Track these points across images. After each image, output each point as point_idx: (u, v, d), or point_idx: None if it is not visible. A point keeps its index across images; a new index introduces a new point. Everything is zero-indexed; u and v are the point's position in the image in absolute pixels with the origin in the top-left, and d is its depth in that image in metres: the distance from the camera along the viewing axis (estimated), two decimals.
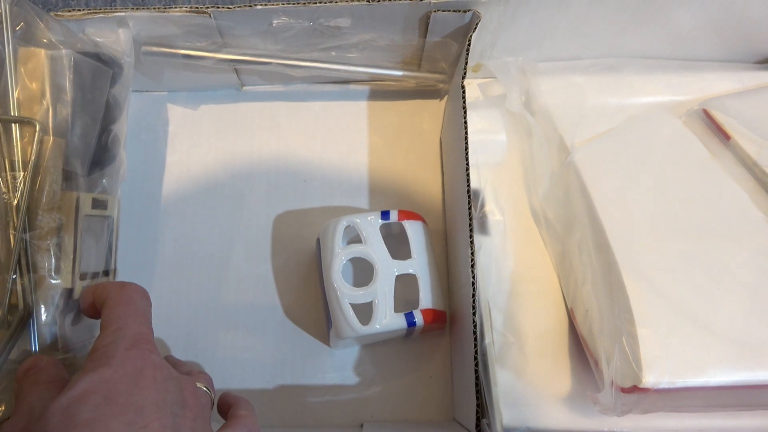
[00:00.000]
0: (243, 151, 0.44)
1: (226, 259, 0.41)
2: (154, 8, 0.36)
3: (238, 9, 0.36)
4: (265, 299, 0.40)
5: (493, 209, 0.35)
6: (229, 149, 0.44)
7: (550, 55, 0.41)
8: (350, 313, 0.33)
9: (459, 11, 0.36)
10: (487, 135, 0.38)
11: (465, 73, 0.36)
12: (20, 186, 0.30)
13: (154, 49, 0.40)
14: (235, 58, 0.41)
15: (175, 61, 0.41)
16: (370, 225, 0.36)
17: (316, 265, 0.40)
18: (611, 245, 0.29)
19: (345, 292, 0.34)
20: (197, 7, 0.36)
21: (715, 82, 0.40)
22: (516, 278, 0.33)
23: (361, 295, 0.34)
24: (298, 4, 0.36)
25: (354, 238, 0.37)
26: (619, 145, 0.36)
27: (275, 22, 0.37)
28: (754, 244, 0.30)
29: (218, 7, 0.36)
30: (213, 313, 0.40)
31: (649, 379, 0.25)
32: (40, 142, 0.31)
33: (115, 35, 0.38)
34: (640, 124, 0.37)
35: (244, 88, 0.46)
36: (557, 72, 0.40)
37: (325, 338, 0.39)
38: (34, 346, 0.30)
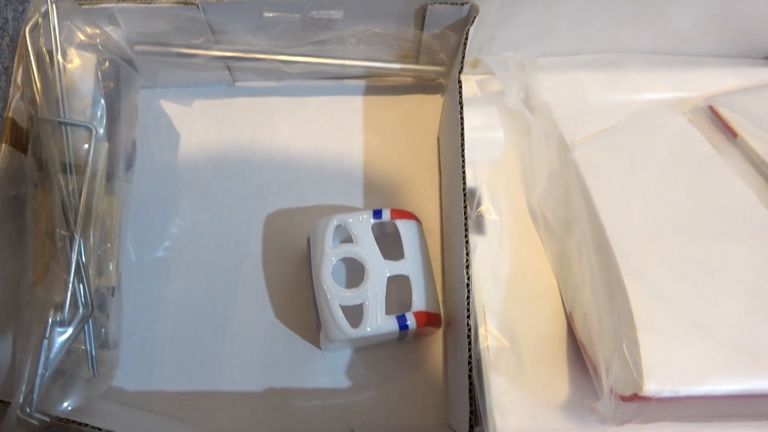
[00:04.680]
0: (234, 147, 0.43)
1: (215, 259, 0.40)
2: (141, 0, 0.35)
3: (227, 1, 0.35)
4: (254, 301, 0.39)
5: (489, 208, 0.34)
6: (221, 146, 0.43)
7: (550, 50, 0.40)
8: (340, 315, 0.32)
9: (456, 4, 0.35)
10: (485, 132, 0.37)
11: (462, 67, 0.35)
12: (81, 190, 0.30)
13: (148, 48, 0.39)
14: (228, 55, 0.40)
15: (169, 60, 0.40)
16: (362, 224, 0.34)
17: (307, 265, 0.39)
18: (612, 246, 0.28)
19: (335, 294, 0.33)
20: None
21: (721, 79, 0.38)
22: (513, 280, 0.32)
23: (351, 296, 0.33)
24: None
25: (346, 238, 0.36)
26: (620, 142, 0.34)
27: (265, 14, 0.36)
28: (762, 246, 0.29)
29: None
30: (201, 315, 0.39)
31: (650, 387, 0.24)
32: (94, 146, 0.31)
33: (106, 35, 0.37)
34: (643, 120, 0.36)
35: (237, 83, 0.45)
36: (558, 68, 0.39)
37: (316, 341, 0.38)
38: (90, 345, 0.31)
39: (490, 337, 0.30)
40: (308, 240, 0.37)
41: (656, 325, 0.26)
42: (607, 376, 0.25)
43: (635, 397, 0.24)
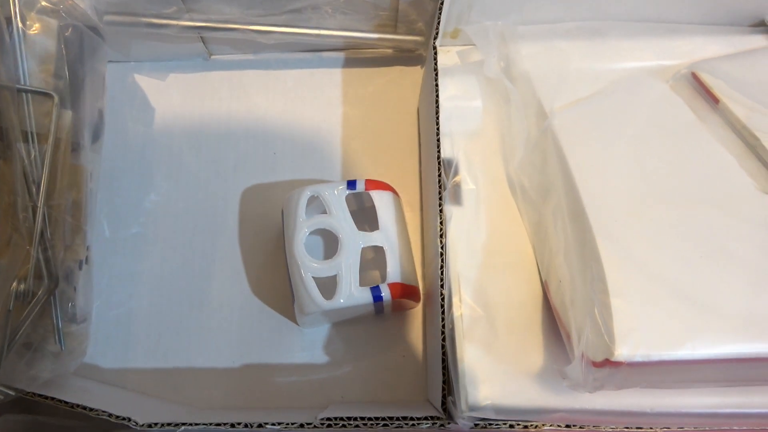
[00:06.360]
0: (210, 121, 0.42)
1: (190, 234, 0.40)
2: None
3: None
4: (230, 276, 0.39)
5: (465, 178, 0.33)
6: (197, 120, 0.42)
7: (531, 18, 0.39)
8: (312, 287, 0.32)
9: None
10: (462, 101, 0.36)
11: (437, 34, 0.34)
12: (43, 159, 0.29)
13: (117, 18, 0.38)
14: (200, 25, 0.39)
15: (139, 31, 0.39)
16: (336, 195, 0.34)
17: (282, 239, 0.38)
18: (587, 212, 0.27)
19: (307, 265, 0.32)
20: None
21: (706, 46, 0.37)
22: (488, 250, 0.31)
23: (324, 268, 0.32)
24: None
25: (322, 212, 0.35)
26: (600, 109, 0.33)
27: None
28: (740, 211, 0.28)
29: None
30: (177, 291, 0.38)
31: (622, 352, 0.23)
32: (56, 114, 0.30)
33: (70, 1, 0.36)
34: (624, 88, 0.35)
35: (212, 57, 0.44)
36: (538, 36, 0.38)
37: (293, 316, 0.37)
38: (56, 318, 0.30)
39: (464, 305, 0.29)
40: (282, 212, 0.36)
41: (630, 290, 0.25)
42: (579, 342, 0.25)
43: (607, 362, 0.24)
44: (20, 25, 0.30)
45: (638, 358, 0.24)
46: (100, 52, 0.35)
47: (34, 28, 0.30)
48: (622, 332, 0.24)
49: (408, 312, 0.37)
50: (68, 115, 0.31)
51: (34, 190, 0.29)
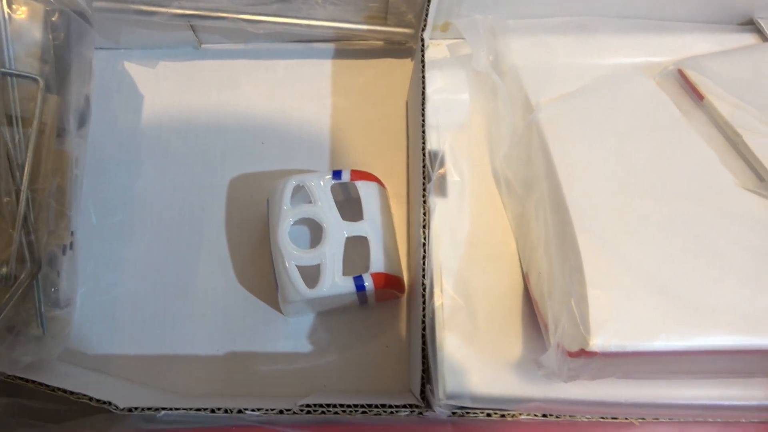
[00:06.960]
0: (199, 110, 0.42)
1: (177, 222, 0.40)
2: None
3: None
4: (216, 265, 0.39)
5: (451, 170, 0.33)
6: (185, 109, 0.42)
7: (521, 12, 0.39)
8: (296, 276, 0.32)
9: None
10: (450, 94, 0.36)
11: (425, 25, 0.34)
12: (27, 143, 0.29)
13: (106, 4, 0.38)
14: (190, 13, 0.39)
15: (129, 18, 0.39)
16: (321, 185, 0.34)
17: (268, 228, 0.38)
18: (567, 205, 0.28)
19: (291, 254, 0.32)
20: None
21: (695, 44, 0.38)
22: (471, 241, 0.32)
23: (307, 257, 0.32)
24: None
25: (308, 201, 0.35)
26: (586, 104, 0.34)
27: None
28: (720, 206, 0.28)
29: None
30: (162, 279, 0.39)
31: (596, 342, 0.24)
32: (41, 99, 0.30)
33: None
34: (610, 83, 0.35)
35: (203, 45, 0.44)
36: (527, 30, 0.38)
37: (278, 306, 0.38)
38: (39, 302, 0.30)
39: (445, 295, 0.30)
40: (267, 202, 0.36)
41: (607, 282, 0.25)
42: (555, 332, 0.25)
43: (582, 352, 0.24)
44: (6, 9, 0.30)
45: (612, 349, 0.24)
46: (87, 37, 0.34)
47: (20, 12, 0.30)
48: (597, 323, 0.24)
49: (392, 302, 0.38)
50: (54, 99, 0.31)
51: (18, 174, 0.29)
